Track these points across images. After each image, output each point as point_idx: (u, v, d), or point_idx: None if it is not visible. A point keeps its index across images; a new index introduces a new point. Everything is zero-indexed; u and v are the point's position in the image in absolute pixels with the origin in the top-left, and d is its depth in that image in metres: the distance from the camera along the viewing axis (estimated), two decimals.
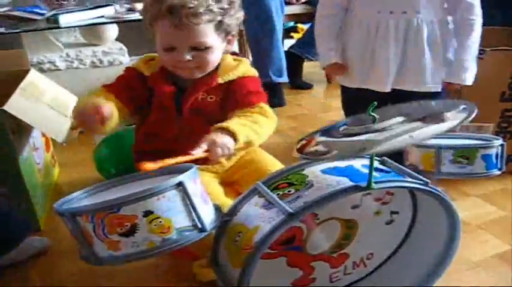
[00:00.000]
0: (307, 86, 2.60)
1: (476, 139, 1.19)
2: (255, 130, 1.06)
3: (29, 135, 1.40)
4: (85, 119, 0.97)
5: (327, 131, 0.90)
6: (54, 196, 1.52)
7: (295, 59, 2.50)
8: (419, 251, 1.04)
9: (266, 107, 1.13)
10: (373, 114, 0.82)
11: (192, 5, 1.02)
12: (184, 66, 1.09)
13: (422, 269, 1.02)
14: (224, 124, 1.01)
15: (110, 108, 0.99)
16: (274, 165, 1.20)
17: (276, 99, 2.18)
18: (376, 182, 0.81)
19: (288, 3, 2.31)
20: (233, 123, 1.02)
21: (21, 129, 1.32)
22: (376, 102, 0.84)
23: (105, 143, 1.53)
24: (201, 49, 1.07)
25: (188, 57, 1.07)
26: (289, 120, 2.16)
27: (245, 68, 1.17)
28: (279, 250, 0.94)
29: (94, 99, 1.01)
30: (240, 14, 1.12)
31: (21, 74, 1.38)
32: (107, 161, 1.49)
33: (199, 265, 1.12)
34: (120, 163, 1.45)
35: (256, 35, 2.18)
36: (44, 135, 1.55)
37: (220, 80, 1.14)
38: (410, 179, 0.87)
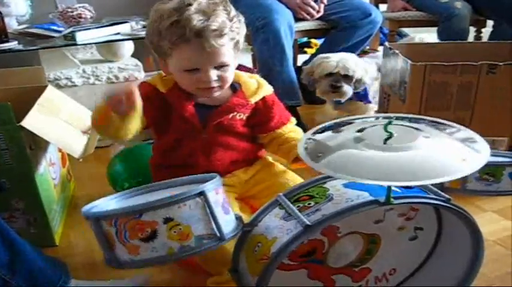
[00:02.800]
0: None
1: (502, 156, 1.16)
2: None
3: (46, 150, 1.40)
4: (116, 99, 0.95)
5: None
6: (70, 211, 1.53)
7: None
8: (443, 269, 1.01)
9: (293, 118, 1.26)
10: (389, 131, 0.79)
11: (216, 27, 1.01)
12: (208, 86, 1.08)
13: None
14: None
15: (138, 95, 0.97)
16: (294, 179, 1.20)
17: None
18: (395, 198, 0.80)
19: (301, 20, 2.30)
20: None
21: (38, 144, 1.33)
22: (394, 117, 0.81)
23: (118, 159, 1.53)
24: (222, 68, 1.07)
25: (215, 77, 1.07)
26: None
27: (265, 85, 1.20)
28: (300, 262, 0.93)
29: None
30: (245, 30, 1.12)
31: (39, 90, 1.38)
32: (120, 176, 1.50)
33: (214, 281, 1.10)
34: (133, 177, 1.45)
35: (266, 60, 2.09)
36: (60, 150, 1.55)
37: (252, 101, 1.16)
38: (431, 196, 0.86)
